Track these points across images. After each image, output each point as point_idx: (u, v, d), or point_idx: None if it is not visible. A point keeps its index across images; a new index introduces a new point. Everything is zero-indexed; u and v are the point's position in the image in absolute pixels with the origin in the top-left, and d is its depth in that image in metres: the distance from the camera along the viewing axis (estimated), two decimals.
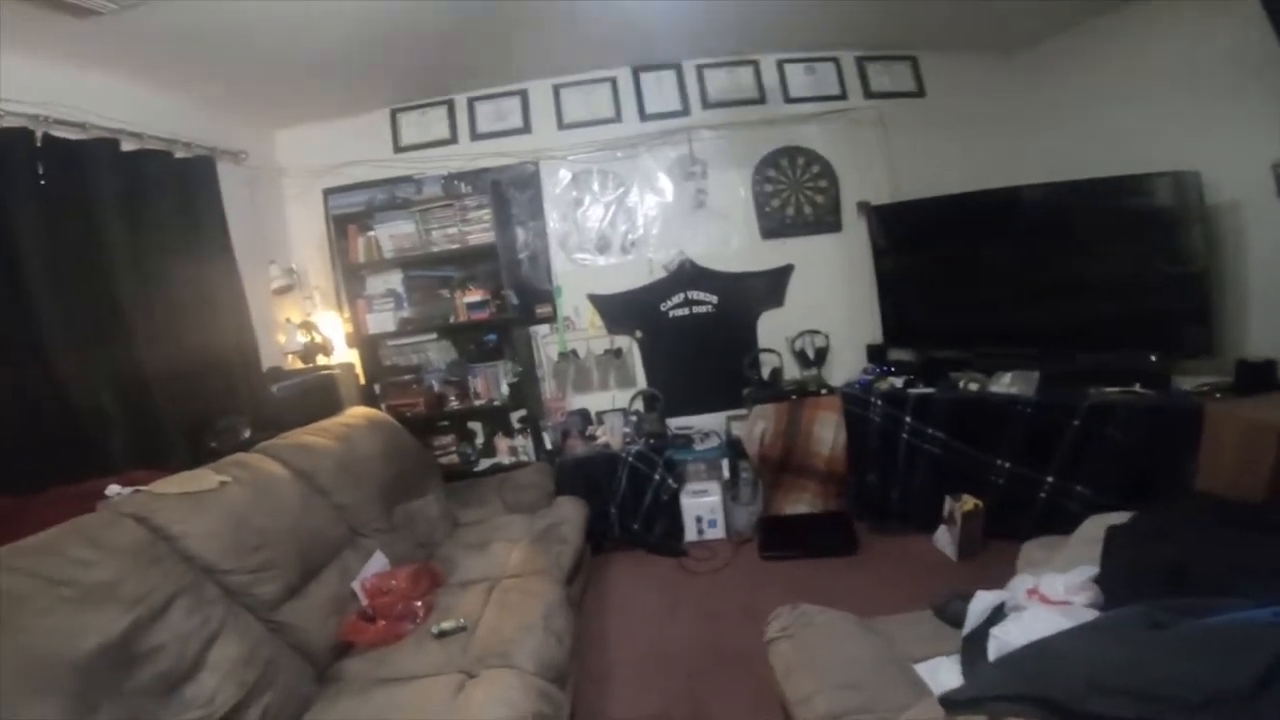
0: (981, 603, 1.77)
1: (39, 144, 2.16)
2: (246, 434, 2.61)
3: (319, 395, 3.12)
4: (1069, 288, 3.09)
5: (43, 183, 2.16)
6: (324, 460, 2.46)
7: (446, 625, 2.08)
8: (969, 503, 2.96)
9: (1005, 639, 1.53)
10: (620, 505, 3.42)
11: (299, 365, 3.39)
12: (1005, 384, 3.09)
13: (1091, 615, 1.57)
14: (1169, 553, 1.66)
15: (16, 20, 1.95)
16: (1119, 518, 2.42)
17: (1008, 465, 3.00)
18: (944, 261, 3.50)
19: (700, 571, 3.18)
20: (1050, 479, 2.89)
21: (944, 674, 1.62)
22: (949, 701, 1.16)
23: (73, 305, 2.20)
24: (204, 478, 2.00)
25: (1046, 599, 1.69)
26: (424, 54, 3.10)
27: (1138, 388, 2.78)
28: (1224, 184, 2.72)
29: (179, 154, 2.82)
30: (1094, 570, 1.76)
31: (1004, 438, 2.99)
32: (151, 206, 2.58)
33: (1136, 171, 2.82)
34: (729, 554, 3.29)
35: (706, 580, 3.11)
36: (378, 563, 2.35)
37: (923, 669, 1.65)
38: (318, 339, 3.44)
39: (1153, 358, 2.83)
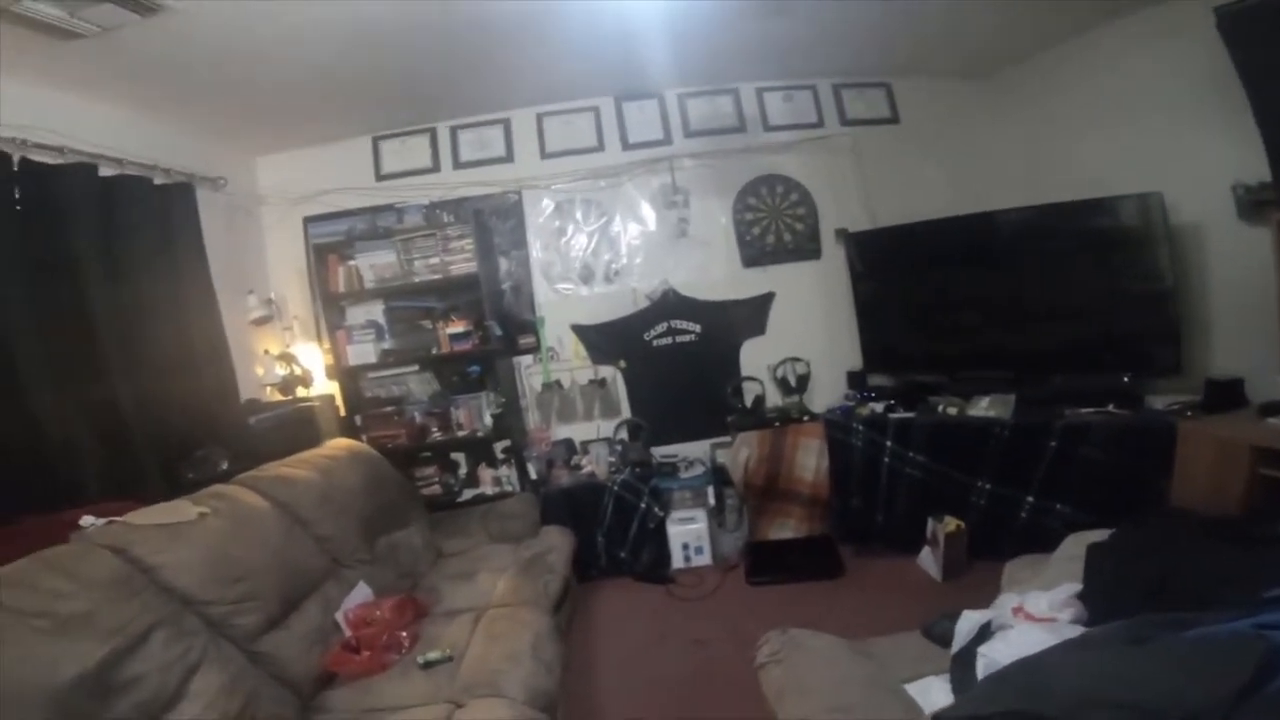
0: (968, 622, 1.78)
1: (15, 167, 2.14)
2: (224, 465, 2.59)
3: (297, 427, 3.07)
4: (1042, 310, 3.19)
5: (18, 207, 2.14)
6: (305, 492, 2.44)
7: (433, 655, 2.05)
8: (951, 524, 2.99)
9: (993, 657, 1.54)
10: (607, 534, 3.40)
11: (278, 398, 3.33)
12: (983, 407, 3.14)
13: (1076, 631, 1.60)
14: (1148, 568, 1.69)
15: None
16: (1098, 535, 2.46)
17: (988, 486, 3.04)
18: (920, 287, 3.59)
19: (688, 598, 3.17)
20: (1030, 499, 2.93)
21: (935, 694, 1.62)
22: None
23: (47, 333, 2.16)
24: (182, 509, 1.98)
25: (1032, 616, 1.72)
26: (407, 81, 3.12)
27: (1111, 408, 2.85)
28: (1186, 205, 2.83)
29: (158, 180, 2.81)
30: (1077, 587, 1.80)
31: (983, 460, 3.04)
32: (129, 233, 2.56)
33: (1103, 194, 2.93)
34: (716, 580, 3.28)
35: (694, 607, 3.10)
36: (361, 593, 2.32)
37: (913, 689, 1.65)
38: (297, 371, 3.39)
39: (1125, 378, 2.90)
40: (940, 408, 3.27)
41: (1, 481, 1.96)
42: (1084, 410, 2.88)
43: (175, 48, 2.32)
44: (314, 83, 2.91)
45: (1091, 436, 2.76)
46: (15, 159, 2.15)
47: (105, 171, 2.53)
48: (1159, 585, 1.63)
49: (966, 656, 1.65)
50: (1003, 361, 3.30)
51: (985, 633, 1.73)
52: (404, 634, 2.19)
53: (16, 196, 2.14)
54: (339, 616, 2.18)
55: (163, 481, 2.40)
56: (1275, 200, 2.42)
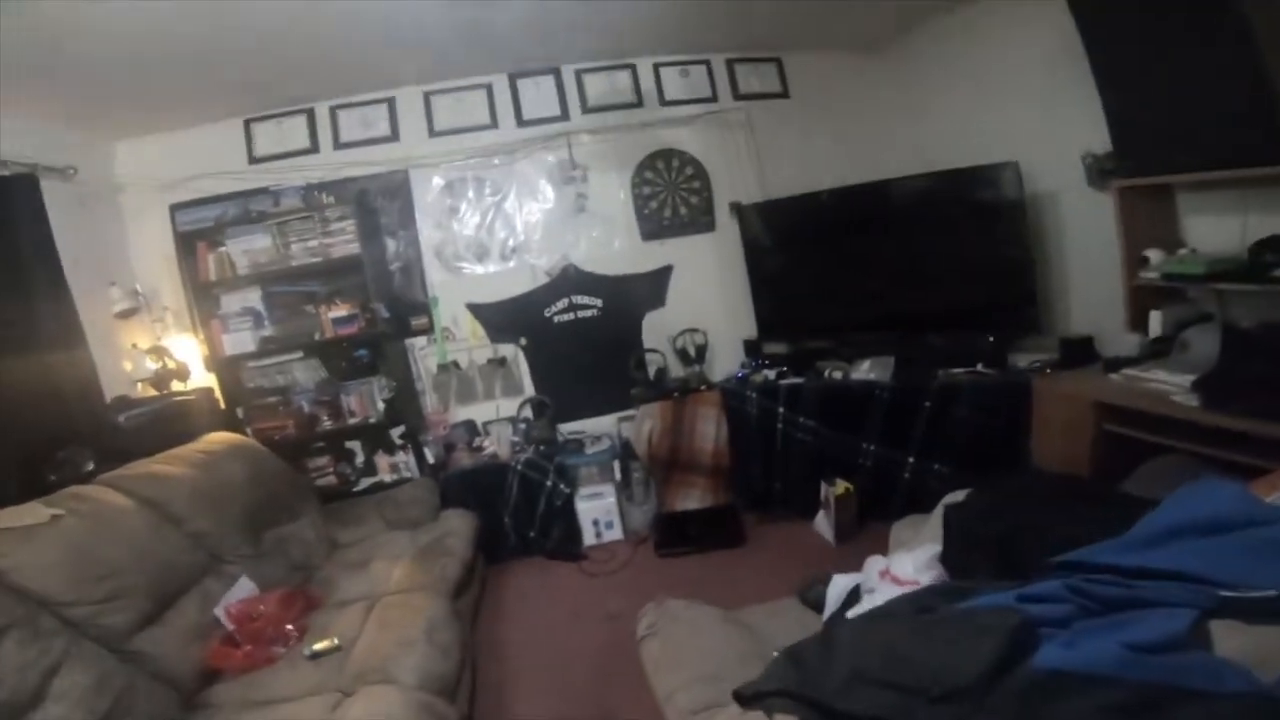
0: (837, 587, 1.87)
1: None
2: (89, 466, 2.47)
3: (173, 423, 2.92)
4: (918, 276, 3.35)
5: None
6: (176, 488, 2.37)
7: (320, 646, 2.04)
8: (840, 487, 3.09)
9: None
10: (514, 514, 3.39)
11: (151, 393, 3.13)
12: (865, 370, 3.27)
13: None
14: (994, 529, 1.76)
15: None
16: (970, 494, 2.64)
17: (873, 448, 3.17)
18: (809, 256, 3.69)
19: (600, 574, 3.20)
20: (911, 459, 3.08)
21: None
22: (738, 696, 1.16)
23: None
24: (33, 511, 1.94)
25: (898, 579, 1.76)
26: (281, 62, 2.95)
27: (980, 367, 3.01)
28: (1043, 175, 2.99)
29: None
30: (936, 548, 1.85)
31: (867, 422, 3.16)
32: None
33: (975, 163, 3.06)
34: (628, 554, 3.32)
35: (606, 582, 3.13)
36: (244, 588, 2.29)
37: None
38: (170, 364, 3.19)
39: (990, 339, 3.07)
40: (826, 372, 3.38)
41: None
42: (955, 370, 3.03)
43: (12, 27, 2.08)
44: (177, 63, 2.71)
45: (961, 396, 2.91)
46: None
47: None
48: (1006, 544, 1.69)
49: (837, 622, 1.69)
50: (885, 325, 3.44)
51: (854, 597, 1.80)
52: (290, 627, 2.16)
53: None
54: (219, 612, 2.14)
55: (22, 485, 2.24)
56: (1115, 169, 2.58)
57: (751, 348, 3.77)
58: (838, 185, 3.51)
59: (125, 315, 3.19)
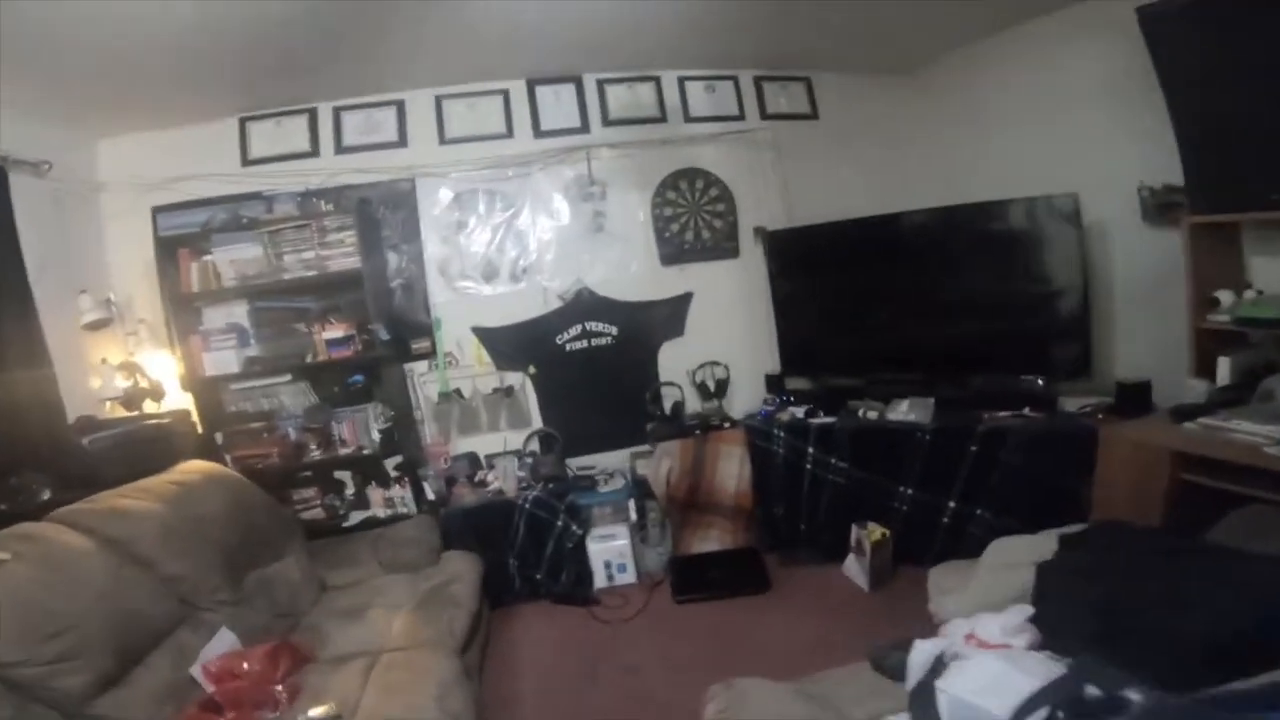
0: (921, 654, 1.70)
1: None
2: (46, 494, 2.28)
3: (144, 448, 2.65)
4: (959, 312, 3.18)
5: None
6: (144, 526, 2.13)
7: (316, 713, 1.78)
8: (876, 532, 2.94)
9: (954, 693, 1.45)
10: (520, 555, 3.14)
11: (121, 413, 2.86)
12: (903, 411, 3.10)
13: (1031, 658, 1.53)
14: (1095, 589, 1.65)
15: None
16: (1022, 541, 2.45)
17: (910, 492, 3.01)
18: (839, 288, 3.52)
19: (613, 620, 2.98)
20: (952, 504, 2.91)
21: None
22: None
23: None
24: None
25: (985, 644, 1.67)
26: (283, 56, 2.73)
27: (1027, 411, 2.84)
28: (1094, 206, 2.85)
29: None
30: (1029, 610, 1.75)
31: (905, 465, 3.00)
32: None
33: (1019, 193, 2.93)
34: (642, 599, 3.11)
35: (621, 630, 2.92)
36: (224, 641, 2.06)
37: None
38: (143, 383, 2.90)
39: (1039, 381, 2.92)
40: (861, 412, 3.21)
41: None
42: (1001, 414, 2.87)
43: None
44: (170, 54, 2.51)
45: (1011, 441, 2.75)
46: None
47: None
48: (1110, 608, 1.59)
49: (925, 692, 1.54)
50: (920, 364, 3.28)
51: (940, 664, 1.65)
52: (279, 688, 1.91)
53: None
54: (195, 670, 1.91)
55: None
56: (1184, 203, 2.46)
57: (774, 383, 3.58)
58: (869, 213, 3.36)
59: (95, 326, 2.90)
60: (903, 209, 3.33)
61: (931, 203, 3.26)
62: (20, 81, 2.41)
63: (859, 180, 3.79)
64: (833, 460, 3.14)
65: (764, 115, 3.76)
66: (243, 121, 3.28)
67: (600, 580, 3.23)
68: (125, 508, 2.16)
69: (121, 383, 2.88)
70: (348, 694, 1.90)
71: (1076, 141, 3.01)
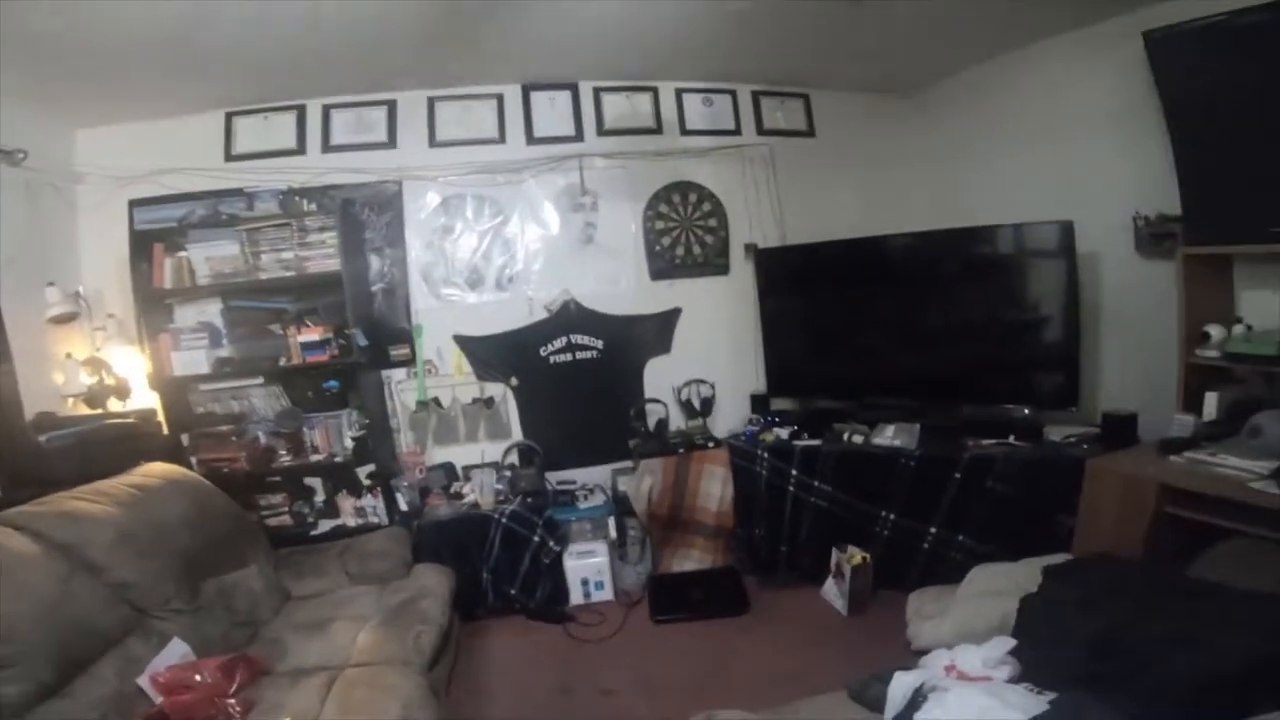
0: (901, 686, 1.68)
1: None
2: None
3: (107, 448, 2.57)
4: (946, 338, 3.17)
5: None
6: (96, 530, 2.04)
7: None
8: (856, 556, 2.91)
9: None
10: (493, 570, 3.06)
11: (83, 410, 2.76)
12: (888, 436, 3.07)
13: (1014, 691, 1.52)
14: (1096, 623, 1.63)
15: None
16: (1003, 569, 2.45)
17: (892, 517, 2.98)
18: (828, 309, 3.50)
19: (589, 639, 2.92)
20: (934, 530, 2.88)
21: None
22: None
23: None
24: None
25: (966, 675, 1.66)
26: (273, 51, 2.68)
27: (1012, 439, 2.83)
28: (1087, 233, 2.81)
29: None
30: (1011, 642, 1.74)
31: (889, 490, 2.97)
32: None
33: (1014, 218, 2.92)
34: (619, 618, 3.05)
35: (596, 649, 2.86)
36: (176, 650, 1.98)
37: None
38: (109, 380, 2.80)
39: (1025, 411, 2.91)
40: (846, 436, 3.17)
41: None
42: (987, 442, 2.85)
43: None
44: (157, 46, 2.45)
45: (996, 469, 2.72)
46: None
47: None
48: (1108, 642, 1.57)
49: None
50: (907, 389, 3.25)
51: (919, 696, 1.63)
52: (232, 701, 1.85)
53: None
54: (143, 681, 1.83)
55: None
56: (1178, 233, 2.45)
57: (759, 403, 3.55)
58: (860, 233, 3.34)
59: (61, 320, 2.80)
60: (896, 231, 3.32)
61: (927, 225, 3.26)
62: (11, 68, 2.35)
63: (854, 200, 3.78)
64: (816, 483, 3.10)
65: (760, 130, 3.74)
66: (229, 116, 3.21)
67: (577, 597, 3.17)
68: (78, 510, 2.07)
69: (86, 379, 2.78)
70: (305, 710, 1.83)
71: (1074, 167, 3.01)
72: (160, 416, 2.93)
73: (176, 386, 2.99)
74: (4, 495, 2.16)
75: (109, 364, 2.85)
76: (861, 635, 2.73)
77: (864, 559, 2.90)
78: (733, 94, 3.71)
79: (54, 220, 2.97)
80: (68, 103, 2.86)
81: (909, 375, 3.26)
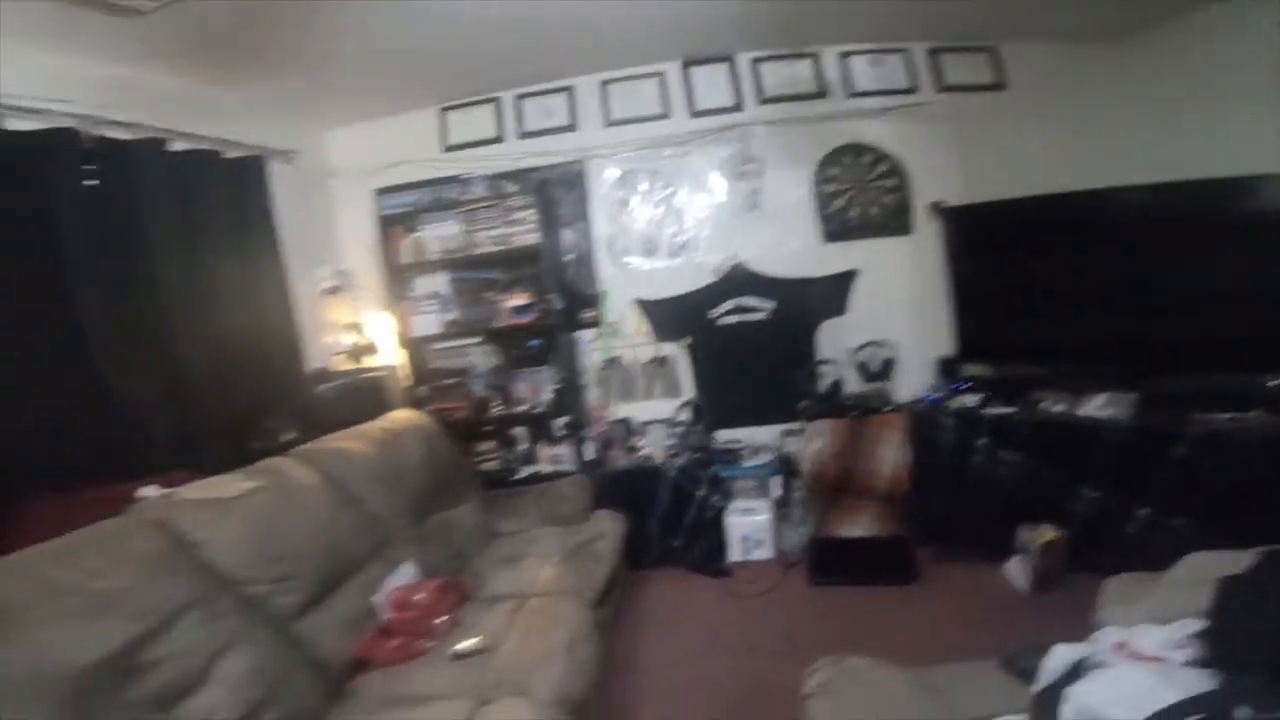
0: (1059, 658, 1.55)
1: (86, 144, 2.17)
2: (291, 435, 2.62)
3: (364, 397, 3.10)
4: (1170, 300, 2.75)
5: (90, 182, 2.17)
6: (358, 466, 2.43)
7: (464, 646, 1.98)
8: (1048, 533, 2.71)
9: (1083, 700, 1.33)
10: (662, 521, 3.28)
11: (346, 365, 3.38)
12: (1098, 406, 2.77)
13: (1188, 674, 1.35)
14: None
15: (59, 20, 1.96)
16: (1221, 559, 2.12)
17: (1094, 493, 2.71)
18: (1025, 270, 3.15)
19: (744, 595, 3.01)
20: (1145, 511, 2.58)
21: None
22: None
23: (117, 306, 2.22)
24: (232, 484, 1.96)
25: (1139, 653, 1.48)
26: (472, 50, 3.03)
27: (1252, 414, 2.42)
28: None
29: (229, 154, 2.83)
30: (1197, 624, 1.51)
31: (1090, 464, 2.71)
32: (199, 206, 2.59)
33: (1244, 172, 2.48)
34: (776, 577, 3.11)
35: (750, 605, 2.95)
36: (406, 573, 2.26)
37: None
38: (364, 340, 3.43)
39: (1270, 382, 2.46)
40: (1045, 404, 2.92)
41: (73, 452, 2.02)
42: (1219, 415, 2.47)
43: (239, 21, 2.30)
44: (385, 54, 2.87)
45: (1229, 447, 2.37)
46: (86, 135, 2.17)
47: (177, 146, 2.55)
48: None
49: (1049, 697, 1.43)
50: (1118, 355, 2.87)
51: (1077, 670, 1.50)
52: (440, 620, 2.12)
53: (88, 171, 2.17)
54: (378, 599, 2.12)
55: (229, 451, 2.40)
56: None
57: (948, 368, 3.34)
58: (1060, 190, 2.97)
59: (331, 292, 3.46)
60: (1103, 185, 2.90)
61: (1135, 181, 2.81)
62: (266, 80, 2.86)
63: (1051, 155, 3.33)
64: (1005, 453, 2.90)
65: (941, 88, 3.48)
66: (442, 111, 3.69)
67: (736, 554, 3.28)
68: (346, 449, 2.46)
69: (347, 340, 3.42)
70: (496, 630, 2.06)
71: None
72: (404, 371, 3.51)
73: (415, 345, 3.56)
74: (295, 436, 2.59)
75: (363, 326, 3.47)
76: (1042, 617, 2.51)
77: (1056, 536, 2.69)
78: (905, 52, 3.49)
79: (319, 209, 3.61)
80: (316, 106, 3.38)
81: (1124, 342, 2.87)
